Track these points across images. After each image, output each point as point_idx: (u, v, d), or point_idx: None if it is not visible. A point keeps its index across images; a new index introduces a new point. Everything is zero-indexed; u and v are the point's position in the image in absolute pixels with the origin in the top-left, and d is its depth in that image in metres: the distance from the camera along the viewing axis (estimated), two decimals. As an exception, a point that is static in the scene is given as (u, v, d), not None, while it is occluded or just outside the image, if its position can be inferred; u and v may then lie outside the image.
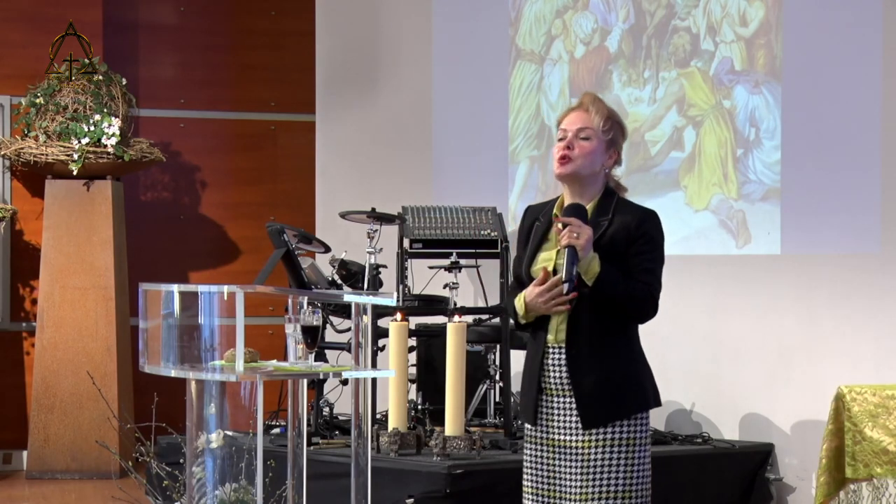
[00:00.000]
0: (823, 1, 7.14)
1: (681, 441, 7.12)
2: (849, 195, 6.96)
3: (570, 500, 4.14)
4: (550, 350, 4.19)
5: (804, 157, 7.17)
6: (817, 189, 7.10)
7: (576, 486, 4.13)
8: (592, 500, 4.10)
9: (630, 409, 4.12)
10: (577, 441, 4.13)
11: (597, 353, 4.12)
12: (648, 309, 4.15)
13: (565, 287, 4.08)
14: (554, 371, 4.18)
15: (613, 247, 4.12)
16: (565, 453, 4.16)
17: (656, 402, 4.22)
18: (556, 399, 4.18)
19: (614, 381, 4.12)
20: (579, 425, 4.13)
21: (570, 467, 4.15)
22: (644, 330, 4.26)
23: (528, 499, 4.27)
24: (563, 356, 4.15)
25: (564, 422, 4.16)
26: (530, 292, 4.16)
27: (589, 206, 4.19)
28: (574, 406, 4.13)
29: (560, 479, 4.17)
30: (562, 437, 4.16)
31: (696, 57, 7.63)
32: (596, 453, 4.11)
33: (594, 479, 4.10)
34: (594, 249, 4.10)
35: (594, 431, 4.11)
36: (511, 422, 6.83)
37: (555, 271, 4.16)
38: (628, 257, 4.13)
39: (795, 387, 7.12)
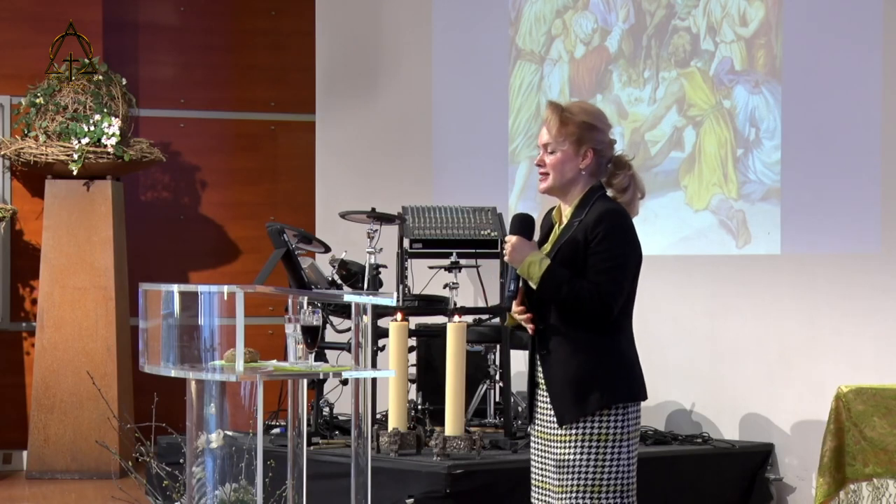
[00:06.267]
0: (823, 1, 7.14)
1: (681, 441, 7.12)
2: (849, 195, 6.96)
3: (551, 492, 4.23)
4: (537, 348, 4.32)
5: (804, 157, 7.17)
6: (817, 189, 7.11)
7: (556, 478, 4.21)
8: (567, 493, 4.18)
9: (596, 407, 4.16)
10: (556, 434, 4.23)
11: (565, 352, 4.20)
12: (596, 310, 4.15)
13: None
14: (538, 369, 4.30)
15: (575, 245, 4.19)
16: (548, 447, 4.26)
17: (635, 397, 4.23)
18: (543, 394, 4.29)
19: (580, 380, 4.17)
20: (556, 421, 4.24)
21: (552, 461, 4.24)
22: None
23: (532, 490, 4.36)
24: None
25: (548, 415, 4.26)
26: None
27: (570, 208, 4.28)
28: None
29: (546, 471, 4.27)
30: (547, 431, 4.27)
31: (696, 57, 7.63)
32: (569, 448, 4.18)
33: (568, 474, 4.18)
34: (560, 249, 4.20)
35: (566, 428, 4.18)
36: (511, 422, 6.83)
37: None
38: (587, 257, 4.18)
39: (795, 387, 7.12)
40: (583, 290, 4.13)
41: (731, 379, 7.38)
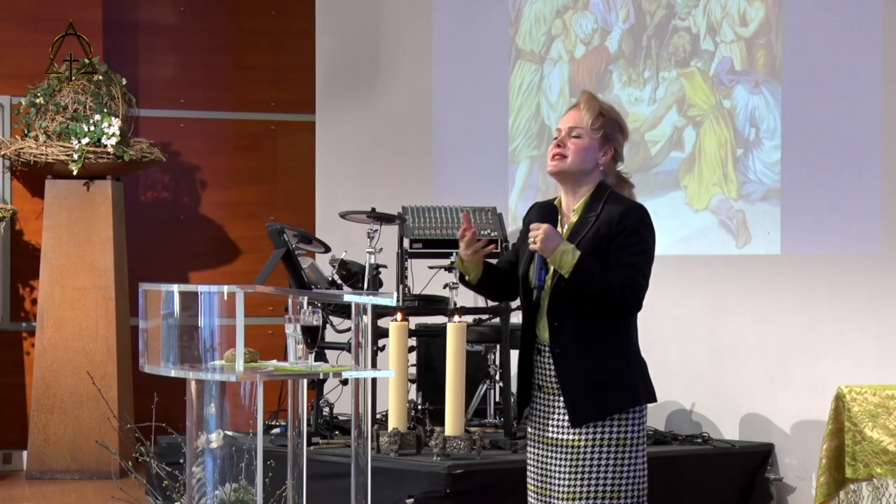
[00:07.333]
0: (823, 1, 7.14)
1: (681, 441, 7.12)
2: (849, 195, 6.96)
3: (562, 497, 4.14)
4: (541, 348, 4.22)
5: (804, 157, 7.17)
6: (817, 189, 7.11)
7: (566, 484, 4.13)
8: (583, 498, 4.10)
9: (617, 407, 4.10)
10: (568, 439, 4.13)
11: (583, 351, 4.11)
12: (628, 303, 4.10)
13: (534, 293, 4.16)
14: (544, 369, 4.20)
15: (597, 241, 4.11)
16: (558, 450, 4.17)
17: (649, 398, 4.20)
18: (548, 397, 4.19)
19: (601, 379, 4.10)
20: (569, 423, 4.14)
21: (563, 464, 4.15)
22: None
23: (530, 496, 4.28)
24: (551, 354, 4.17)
25: (556, 419, 4.17)
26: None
27: (580, 202, 4.21)
28: (563, 404, 4.14)
29: (553, 475, 4.17)
30: (554, 435, 4.17)
31: (696, 57, 7.63)
32: (586, 451, 4.11)
33: (585, 478, 4.10)
34: (579, 244, 4.11)
35: (582, 430, 4.10)
36: (511, 422, 6.83)
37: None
38: (611, 251, 4.11)
39: (795, 387, 7.12)
40: (615, 281, 4.05)
41: (731, 379, 7.37)
